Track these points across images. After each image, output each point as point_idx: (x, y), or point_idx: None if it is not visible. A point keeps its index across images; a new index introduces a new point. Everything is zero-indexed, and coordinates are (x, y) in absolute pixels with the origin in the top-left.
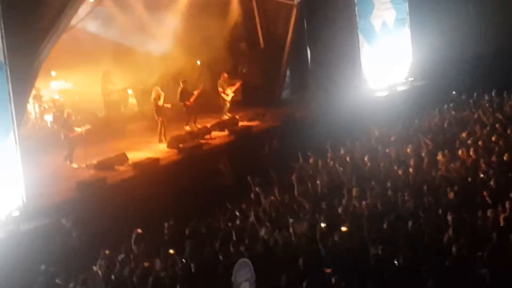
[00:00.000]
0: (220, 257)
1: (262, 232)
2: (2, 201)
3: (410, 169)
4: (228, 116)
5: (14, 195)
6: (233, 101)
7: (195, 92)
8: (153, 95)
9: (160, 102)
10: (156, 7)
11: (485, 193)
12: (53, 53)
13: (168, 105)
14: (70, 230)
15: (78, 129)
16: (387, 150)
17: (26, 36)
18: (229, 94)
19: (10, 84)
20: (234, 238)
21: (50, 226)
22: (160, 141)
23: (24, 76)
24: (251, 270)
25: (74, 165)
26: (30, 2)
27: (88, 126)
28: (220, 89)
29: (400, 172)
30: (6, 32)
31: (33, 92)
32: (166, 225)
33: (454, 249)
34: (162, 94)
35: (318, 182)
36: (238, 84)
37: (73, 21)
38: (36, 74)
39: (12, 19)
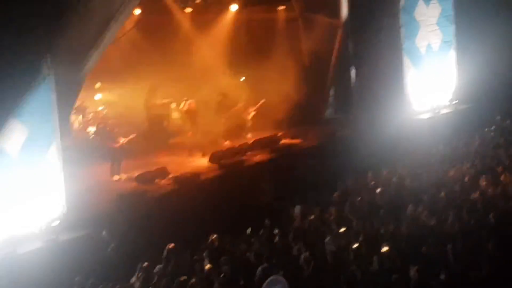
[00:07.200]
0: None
1: (296, 251)
2: (43, 210)
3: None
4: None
5: (54, 205)
6: (275, 119)
7: (233, 109)
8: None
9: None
10: (203, 23)
11: None
12: (98, 65)
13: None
14: (109, 242)
15: (122, 140)
16: (428, 173)
17: (72, 47)
18: (250, 112)
19: (54, 95)
20: (268, 255)
21: (89, 237)
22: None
23: (68, 87)
24: (285, 286)
25: (115, 177)
26: (76, 13)
27: (132, 136)
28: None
29: (442, 194)
30: (52, 42)
31: (77, 103)
32: (209, 239)
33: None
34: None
35: (358, 201)
36: (260, 103)
37: (119, 34)
38: (81, 85)
39: (58, 29)
